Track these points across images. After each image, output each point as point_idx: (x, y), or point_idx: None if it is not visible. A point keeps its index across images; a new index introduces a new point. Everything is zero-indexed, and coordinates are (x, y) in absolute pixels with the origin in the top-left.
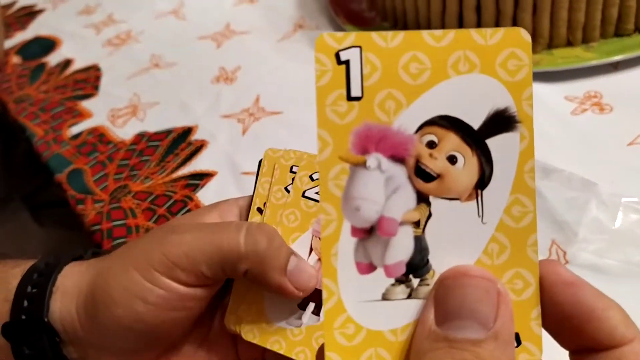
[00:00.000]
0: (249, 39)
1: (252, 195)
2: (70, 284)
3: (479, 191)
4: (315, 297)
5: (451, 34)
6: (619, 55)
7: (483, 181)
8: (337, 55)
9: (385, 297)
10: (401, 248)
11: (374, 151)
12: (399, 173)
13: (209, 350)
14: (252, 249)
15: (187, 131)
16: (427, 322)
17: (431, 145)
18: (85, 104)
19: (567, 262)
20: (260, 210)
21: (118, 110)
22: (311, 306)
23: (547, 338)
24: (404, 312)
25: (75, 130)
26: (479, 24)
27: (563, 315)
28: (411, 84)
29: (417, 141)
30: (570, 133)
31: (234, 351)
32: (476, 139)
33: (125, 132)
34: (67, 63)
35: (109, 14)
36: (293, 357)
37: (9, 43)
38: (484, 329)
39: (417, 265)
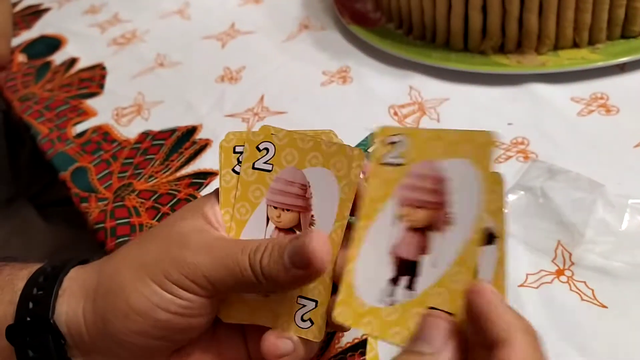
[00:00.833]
0: (253, 39)
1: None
2: (77, 286)
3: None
4: (407, 269)
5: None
6: (626, 57)
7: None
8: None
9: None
10: None
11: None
12: None
13: (218, 350)
14: (267, 274)
15: (192, 130)
16: None
17: None
18: (90, 103)
19: (572, 263)
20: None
21: (123, 109)
22: (404, 280)
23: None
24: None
25: (79, 128)
26: (484, 25)
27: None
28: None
29: None
30: (577, 134)
31: (244, 349)
32: None
33: (129, 130)
34: (72, 62)
35: (114, 13)
36: (388, 339)
37: (14, 41)
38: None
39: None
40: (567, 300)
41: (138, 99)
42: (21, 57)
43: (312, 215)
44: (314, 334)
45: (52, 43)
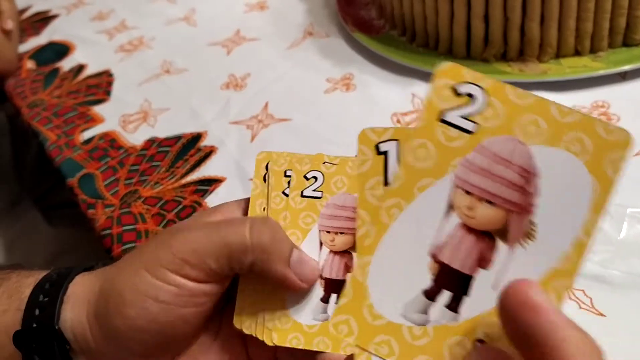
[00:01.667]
0: (258, 46)
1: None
2: (81, 292)
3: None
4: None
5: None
6: (627, 65)
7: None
8: (377, 147)
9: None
10: None
11: None
12: None
13: (219, 354)
14: (257, 242)
15: (197, 137)
16: None
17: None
18: (97, 109)
19: None
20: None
21: (129, 116)
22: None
23: None
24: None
25: (87, 135)
26: (486, 33)
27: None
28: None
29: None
30: None
31: (244, 353)
32: None
33: (136, 137)
34: (80, 68)
35: (121, 20)
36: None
37: (22, 48)
38: None
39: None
40: (565, 308)
41: (144, 105)
42: (30, 64)
43: None
44: None
45: (60, 49)
